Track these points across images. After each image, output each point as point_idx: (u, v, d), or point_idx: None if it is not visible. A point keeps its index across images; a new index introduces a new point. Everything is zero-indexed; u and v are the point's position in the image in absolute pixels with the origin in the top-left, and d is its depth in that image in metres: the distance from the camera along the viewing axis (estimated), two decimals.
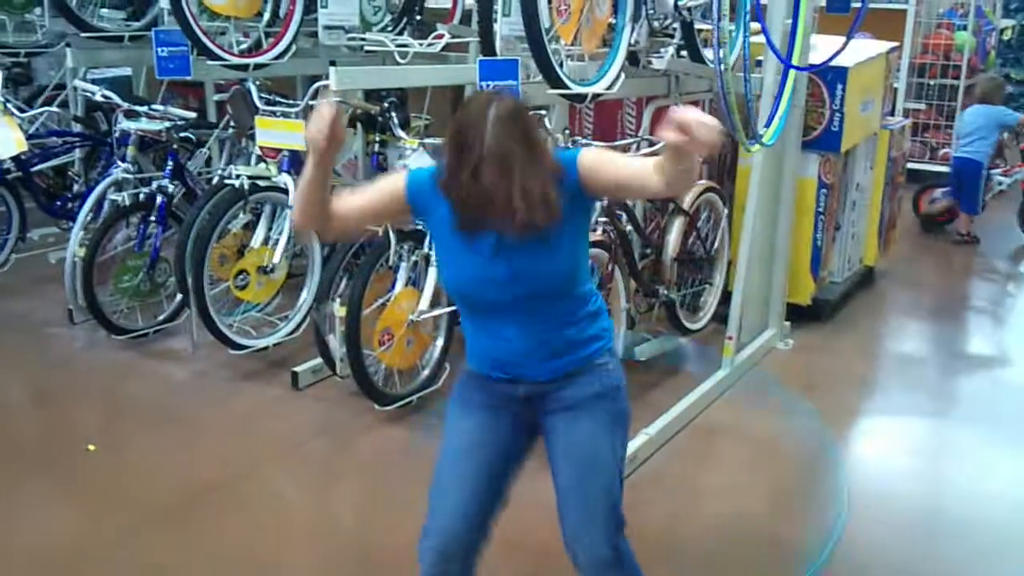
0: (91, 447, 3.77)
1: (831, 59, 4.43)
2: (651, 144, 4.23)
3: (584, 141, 3.99)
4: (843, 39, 4.38)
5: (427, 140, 4.21)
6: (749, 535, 3.27)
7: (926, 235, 7.36)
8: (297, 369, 4.37)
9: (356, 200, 2.30)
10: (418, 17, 4.99)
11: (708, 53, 4.16)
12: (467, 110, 2.10)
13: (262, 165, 4.52)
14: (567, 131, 4.09)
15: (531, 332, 2.18)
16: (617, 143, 4.09)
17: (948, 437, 4.15)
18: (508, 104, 2.08)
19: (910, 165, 7.34)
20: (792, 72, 4.28)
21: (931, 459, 3.98)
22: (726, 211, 4.93)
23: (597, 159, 2.17)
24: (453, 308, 4.17)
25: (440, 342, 4.22)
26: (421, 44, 4.39)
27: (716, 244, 4.93)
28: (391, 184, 2.28)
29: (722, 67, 3.65)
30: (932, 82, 9.13)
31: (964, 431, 4.16)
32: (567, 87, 3.71)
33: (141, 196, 4.73)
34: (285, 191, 4.43)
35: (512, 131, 2.04)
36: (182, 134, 5.07)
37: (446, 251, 2.23)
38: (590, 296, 2.28)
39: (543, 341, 2.20)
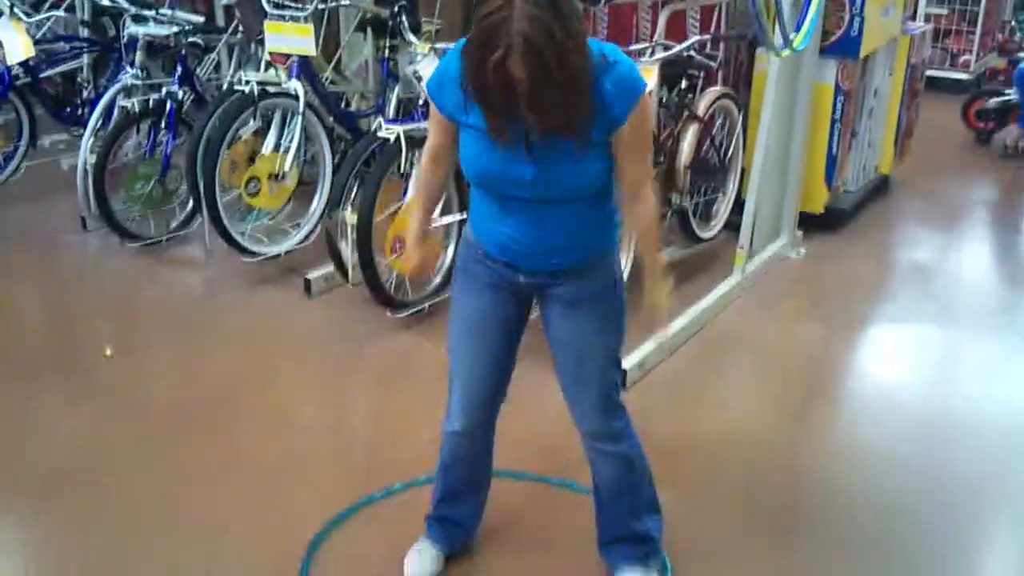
0: (108, 351, 3.82)
1: None
2: (666, 49, 4.16)
3: None
4: None
5: (438, 45, 4.15)
6: (754, 439, 3.31)
7: (942, 143, 7.26)
8: (309, 276, 4.39)
9: (431, 154, 2.28)
10: None
11: None
12: None
13: (272, 71, 4.47)
14: None
15: (542, 231, 2.15)
16: (632, 47, 4.01)
17: (958, 345, 4.16)
18: None
19: (929, 72, 7.20)
20: None
21: (940, 366, 4.00)
22: (741, 118, 4.87)
23: (642, 120, 2.08)
24: (464, 216, 4.17)
25: (452, 250, 4.22)
26: None
27: (730, 152, 4.88)
28: (432, 115, 2.23)
29: None
30: None
31: (974, 339, 4.17)
32: None
33: (150, 102, 4.70)
34: (295, 97, 4.39)
35: (545, 16, 1.81)
36: (190, 39, 5.01)
37: (471, 143, 2.12)
38: (609, 207, 2.23)
39: (552, 241, 2.17)
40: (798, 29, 3.99)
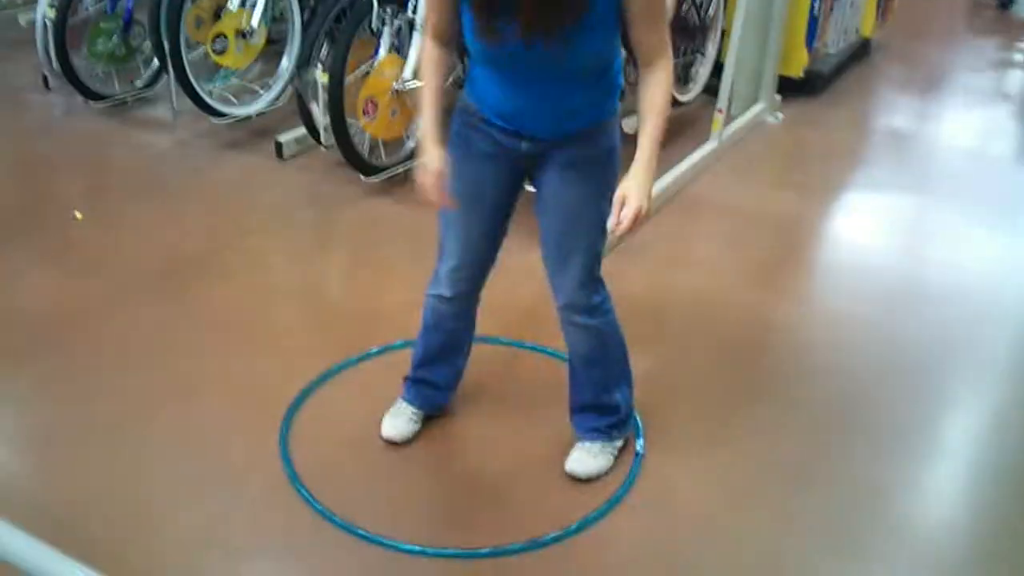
0: (78, 215, 3.76)
1: None
2: None
3: None
4: None
5: None
6: (727, 302, 3.35)
7: (926, 6, 7.13)
8: (280, 139, 4.31)
9: (432, 31, 2.17)
10: None
11: None
12: None
13: None
14: None
15: (546, 99, 2.11)
16: None
17: (931, 213, 4.18)
18: None
19: None
20: None
21: (913, 233, 4.02)
22: None
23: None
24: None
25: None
26: None
27: (711, 12, 4.77)
28: (430, 16, 2.15)
29: None
30: None
31: (947, 207, 4.18)
32: None
33: None
34: None
35: None
36: None
37: (471, 28, 2.03)
38: (614, 72, 2.20)
39: (556, 107, 2.13)
40: None
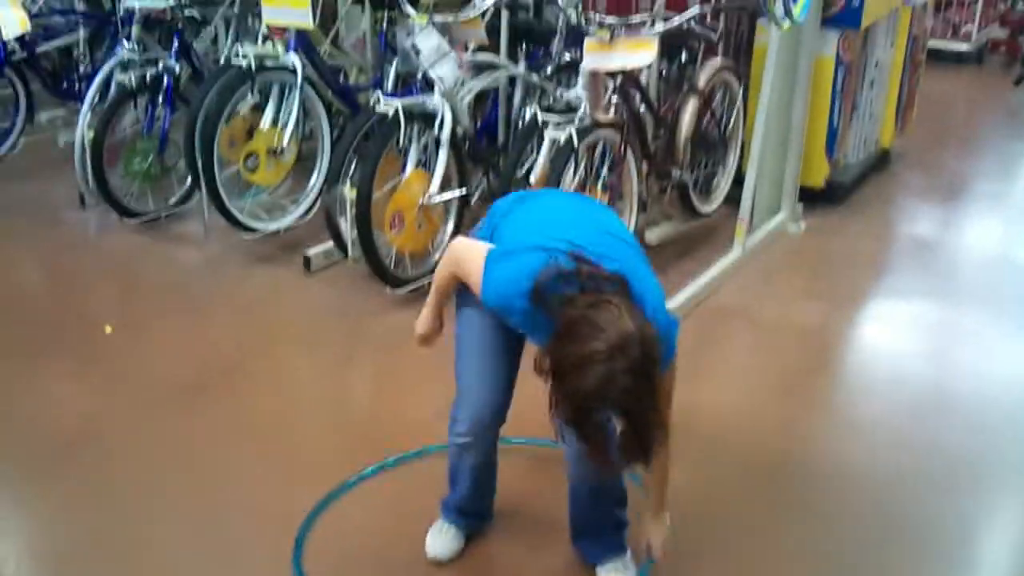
0: (108, 328, 3.82)
1: None
2: (666, 20, 4.12)
3: (598, 18, 3.88)
4: None
5: (436, 18, 4.11)
6: (753, 413, 3.32)
7: (944, 116, 7.23)
8: (309, 252, 4.38)
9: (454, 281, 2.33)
10: None
11: None
12: (588, 367, 1.82)
13: (269, 44, 4.43)
14: (579, 6, 3.99)
15: None
16: (632, 20, 3.98)
17: (957, 320, 4.15)
18: (636, 354, 1.82)
19: (931, 43, 7.16)
20: None
21: (939, 341, 3.99)
22: (741, 91, 4.84)
23: (668, 385, 2.12)
24: (464, 191, 4.16)
25: (451, 226, 4.21)
26: None
27: (731, 125, 4.86)
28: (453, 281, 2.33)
29: None
30: None
31: (972, 314, 4.16)
32: None
33: (147, 77, 4.67)
34: (293, 71, 4.36)
35: (643, 387, 1.85)
36: (187, 12, 4.98)
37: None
38: None
39: None
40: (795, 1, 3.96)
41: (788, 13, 3.88)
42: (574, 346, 1.83)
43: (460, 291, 2.35)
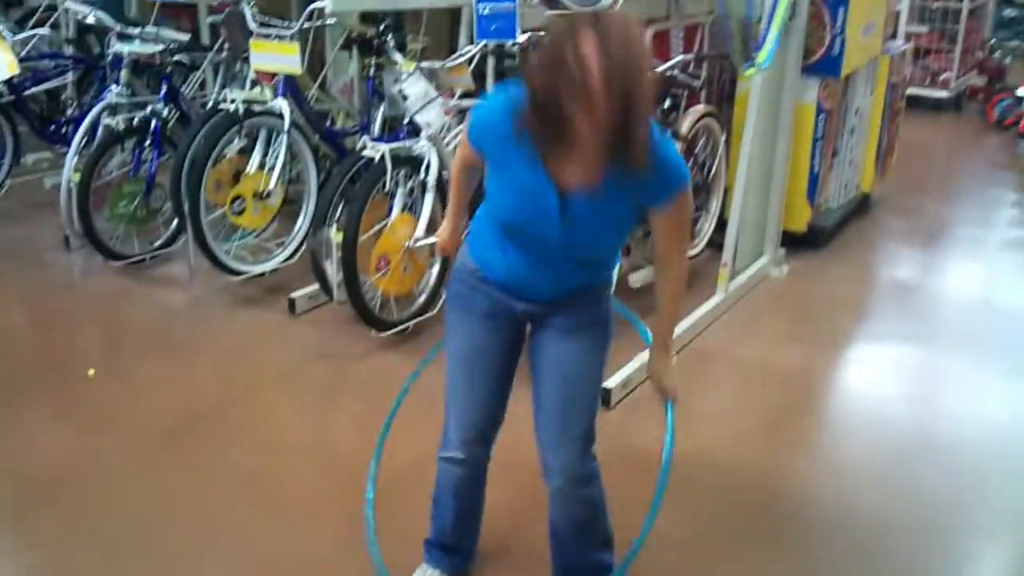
0: (91, 372, 3.81)
1: None
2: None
3: None
4: None
5: (423, 64, 4.16)
6: (736, 456, 3.33)
7: (923, 162, 7.33)
8: (294, 295, 4.39)
9: (462, 163, 2.37)
10: None
11: None
12: (560, 34, 1.81)
13: (257, 89, 4.48)
14: None
15: (548, 273, 2.18)
16: None
17: (939, 363, 4.19)
18: (619, 23, 1.79)
19: (910, 91, 7.28)
20: None
21: (921, 384, 4.03)
22: (724, 137, 4.91)
23: (680, 214, 2.11)
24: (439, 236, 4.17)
25: (436, 269, 4.23)
26: None
27: (713, 170, 4.92)
28: (464, 141, 2.26)
29: None
30: (935, 5, 9.02)
31: (954, 358, 4.20)
32: (567, 6, 3.67)
33: (135, 120, 4.71)
34: (281, 116, 4.40)
35: (629, 58, 1.76)
36: (176, 57, 5.03)
37: (503, 192, 2.12)
38: (614, 260, 2.38)
39: (555, 280, 2.21)
40: (759, 49, 4.04)
41: (751, 60, 3.95)
42: (542, 50, 1.87)
43: (450, 292, 2.35)
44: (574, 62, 1.75)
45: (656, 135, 1.96)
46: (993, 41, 9.17)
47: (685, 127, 4.50)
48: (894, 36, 6.35)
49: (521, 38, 3.81)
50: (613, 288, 2.40)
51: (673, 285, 2.27)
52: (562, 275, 2.19)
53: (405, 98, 4.07)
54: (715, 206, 4.97)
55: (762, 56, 4.05)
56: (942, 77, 9.12)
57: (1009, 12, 9.51)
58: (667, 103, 4.46)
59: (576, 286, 2.23)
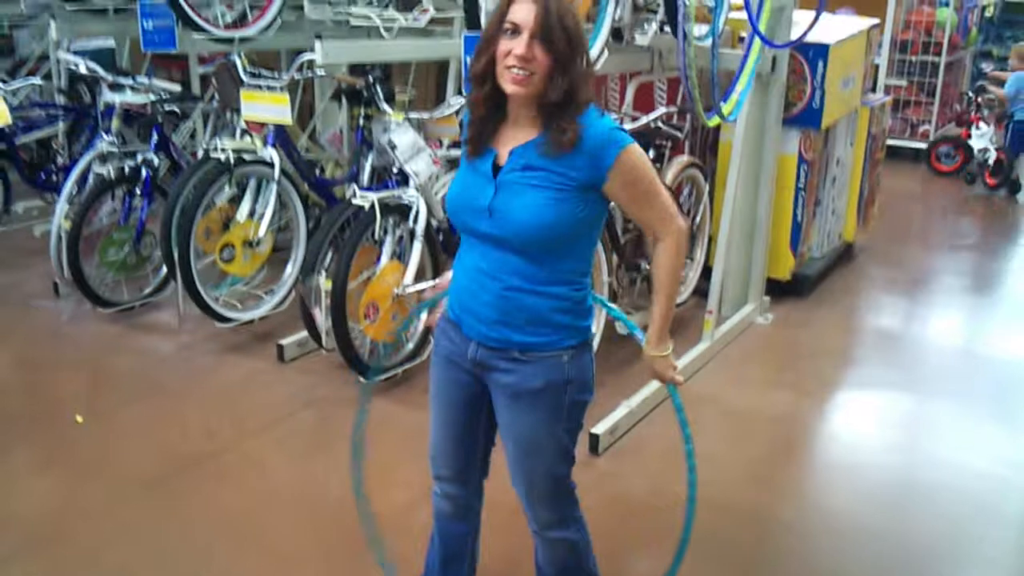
0: (79, 419, 3.81)
1: (803, 36, 4.47)
2: (634, 119, 4.27)
3: None
4: (825, 15, 4.42)
5: (412, 114, 4.23)
6: (725, 504, 3.35)
7: (904, 211, 7.44)
8: (283, 342, 4.41)
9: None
10: None
11: (696, 29, 4.17)
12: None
13: (247, 138, 4.54)
14: None
15: (493, 279, 2.12)
16: None
17: (923, 410, 4.23)
18: None
19: (890, 142, 7.41)
20: (755, 46, 4.28)
21: (905, 431, 4.06)
22: (708, 187, 4.99)
23: (634, 177, 2.09)
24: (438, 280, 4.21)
25: (424, 315, 4.24)
26: (406, 18, 4.41)
27: (698, 219, 4.99)
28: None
29: (685, 42, 3.68)
30: (914, 59, 9.21)
31: (939, 405, 4.24)
32: None
33: (126, 169, 4.75)
34: (271, 165, 4.45)
35: (558, 12, 2.02)
36: (167, 107, 5.08)
37: (456, 180, 2.23)
38: (573, 281, 2.15)
39: (501, 296, 2.12)
40: (726, 99, 4.12)
41: (715, 110, 4.03)
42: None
43: (433, 338, 2.38)
44: (505, 5, 2.06)
45: (592, 112, 2.08)
46: (970, 93, 9.35)
47: (670, 177, 4.57)
48: (874, 89, 6.49)
49: None
50: (583, 353, 2.23)
51: (668, 259, 2.18)
52: (507, 286, 2.11)
53: (394, 148, 4.13)
54: (700, 254, 5.04)
55: (728, 108, 4.12)
56: (921, 129, 9.28)
57: (985, 66, 9.72)
58: (651, 153, 4.53)
59: (523, 339, 2.14)
